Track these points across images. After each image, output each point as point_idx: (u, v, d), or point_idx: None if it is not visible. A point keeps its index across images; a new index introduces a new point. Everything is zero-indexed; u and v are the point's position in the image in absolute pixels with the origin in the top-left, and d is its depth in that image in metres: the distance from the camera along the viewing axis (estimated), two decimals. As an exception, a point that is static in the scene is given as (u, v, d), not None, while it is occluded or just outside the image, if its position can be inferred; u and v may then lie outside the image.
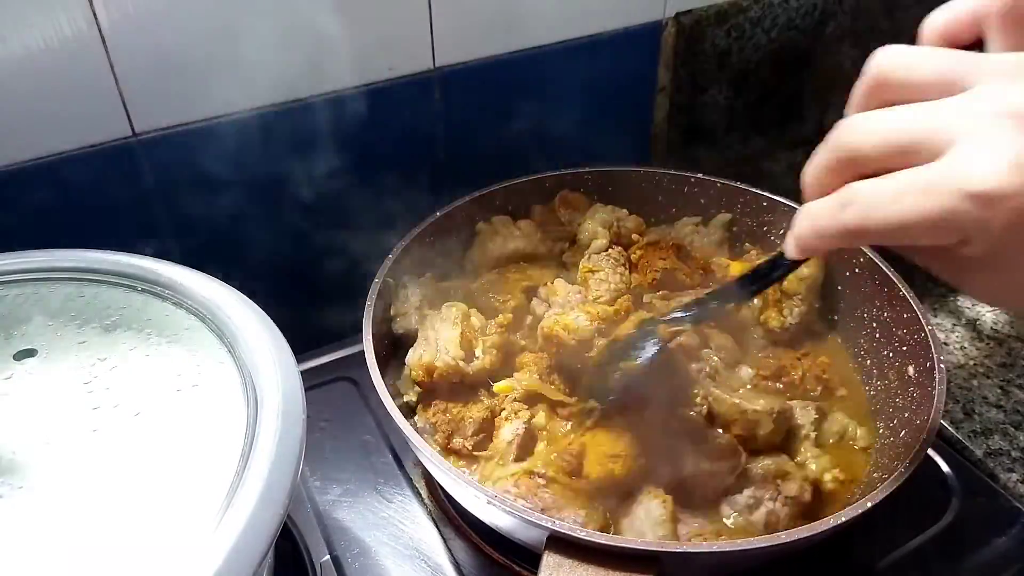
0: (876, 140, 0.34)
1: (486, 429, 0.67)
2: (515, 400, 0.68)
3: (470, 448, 0.67)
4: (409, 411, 0.71)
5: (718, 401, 0.66)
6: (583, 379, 0.68)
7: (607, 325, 0.70)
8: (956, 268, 0.38)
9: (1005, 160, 0.30)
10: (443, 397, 0.70)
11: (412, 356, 0.71)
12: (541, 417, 0.67)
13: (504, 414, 0.67)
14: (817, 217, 0.37)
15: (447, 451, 0.68)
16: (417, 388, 0.70)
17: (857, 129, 0.36)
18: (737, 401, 0.65)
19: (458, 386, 0.70)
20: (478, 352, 0.71)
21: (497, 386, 0.70)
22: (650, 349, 0.63)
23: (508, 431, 0.65)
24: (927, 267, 0.40)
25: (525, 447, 0.65)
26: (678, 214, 0.89)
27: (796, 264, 0.50)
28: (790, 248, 0.42)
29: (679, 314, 0.62)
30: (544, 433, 0.66)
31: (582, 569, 0.51)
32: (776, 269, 0.53)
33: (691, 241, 0.86)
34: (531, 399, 0.68)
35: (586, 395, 0.67)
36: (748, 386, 0.73)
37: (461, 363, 0.69)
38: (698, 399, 0.67)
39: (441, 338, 0.70)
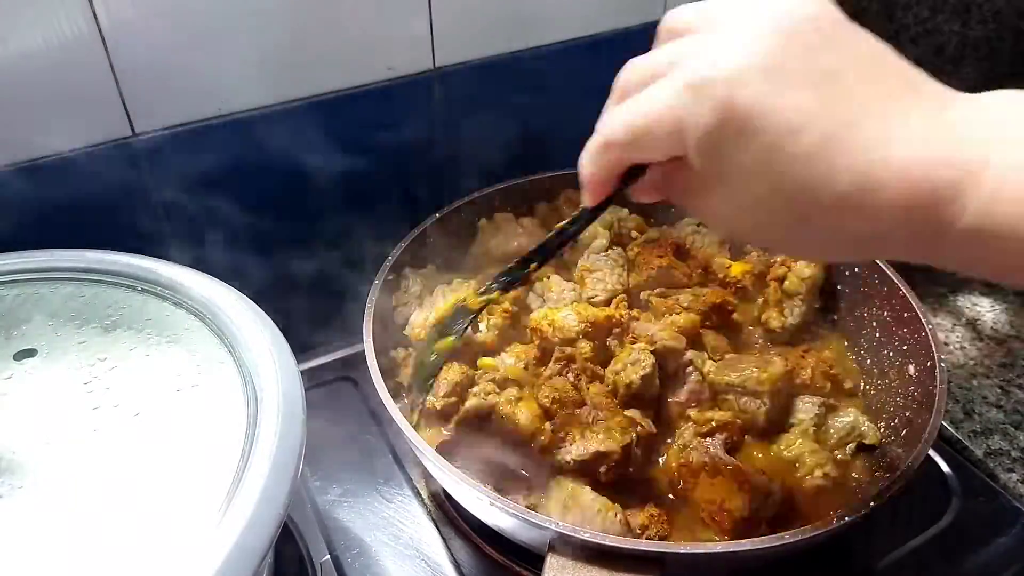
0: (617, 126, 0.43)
1: (458, 394, 0.68)
2: (492, 380, 0.69)
3: (439, 407, 0.68)
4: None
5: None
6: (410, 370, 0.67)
7: (594, 329, 0.70)
8: (694, 190, 0.43)
9: (735, 56, 0.37)
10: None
11: (417, 316, 0.72)
12: (504, 403, 0.66)
13: (476, 389, 0.68)
14: (584, 152, 0.46)
15: (423, 411, 0.68)
16: (440, 397, 0.69)
17: (607, 121, 0.45)
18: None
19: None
20: (482, 327, 0.72)
21: (481, 360, 0.71)
22: (462, 324, 0.61)
23: (473, 405, 0.66)
24: (672, 198, 0.46)
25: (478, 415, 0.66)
26: (678, 214, 0.89)
27: (594, 214, 0.51)
28: (585, 197, 0.48)
29: (488, 283, 0.60)
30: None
31: (585, 570, 0.51)
32: (576, 222, 0.53)
33: (692, 241, 0.86)
34: (505, 384, 0.69)
35: (413, 385, 0.64)
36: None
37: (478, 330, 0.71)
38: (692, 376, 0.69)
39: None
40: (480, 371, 0.70)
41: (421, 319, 0.73)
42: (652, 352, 0.68)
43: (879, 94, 0.37)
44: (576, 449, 0.61)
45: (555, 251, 0.56)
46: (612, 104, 0.46)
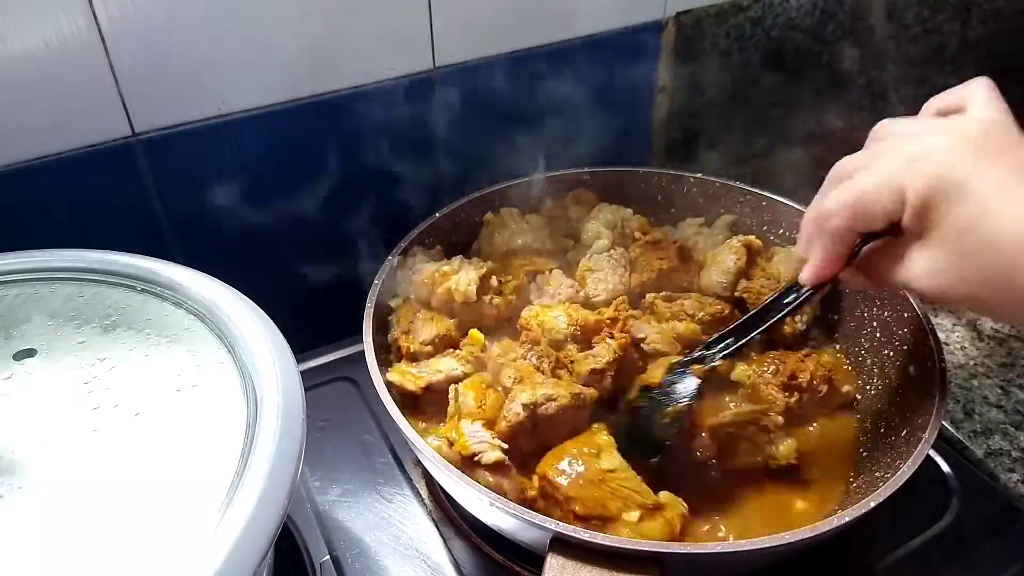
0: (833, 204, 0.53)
1: (438, 347, 0.71)
2: (472, 352, 0.71)
3: (413, 351, 0.71)
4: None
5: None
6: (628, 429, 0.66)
7: (583, 332, 0.70)
8: (900, 259, 0.51)
9: (947, 138, 0.48)
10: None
11: (428, 268, 0.75)
12: (473, 380, 0.68)
13: (456, 352, 0.71)
14: (803, 231, 0.57)
15: (400, 351, 0.72)
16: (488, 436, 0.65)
17: (825, 200, 0.54)
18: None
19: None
20: (487, 299, 0.75)
21: (473, 331, 0.73)
22: (689, 388, 0.65)
23: (444, 364, 0.69)
24: (880, 275, 0.54)
25: (445, 383, 0.68)
26: (678, 214, 0.89)
27: (815, 292, 0.59)
28: (807, 273, 0.58)
29: (708, 352, 0.67)
30: (461, 389, 0.67)
31: (586, 570, 0.51)
32: (787, 295, 0.62)
33: (695, 243, 0.86)
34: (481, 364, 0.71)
35: (643, 449, 0.64)
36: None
37: (474, 293, 0.73)
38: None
39: (462, 275, 0.74)
40: (467, 341, 0.72)
41: (431, 269, 0.75)
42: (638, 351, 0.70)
43: None
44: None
45: (773, 324, 0.64)
46: (825, 191, 0.54)
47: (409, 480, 0.74)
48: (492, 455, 0.60)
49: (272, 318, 0.54)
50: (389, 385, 0.65)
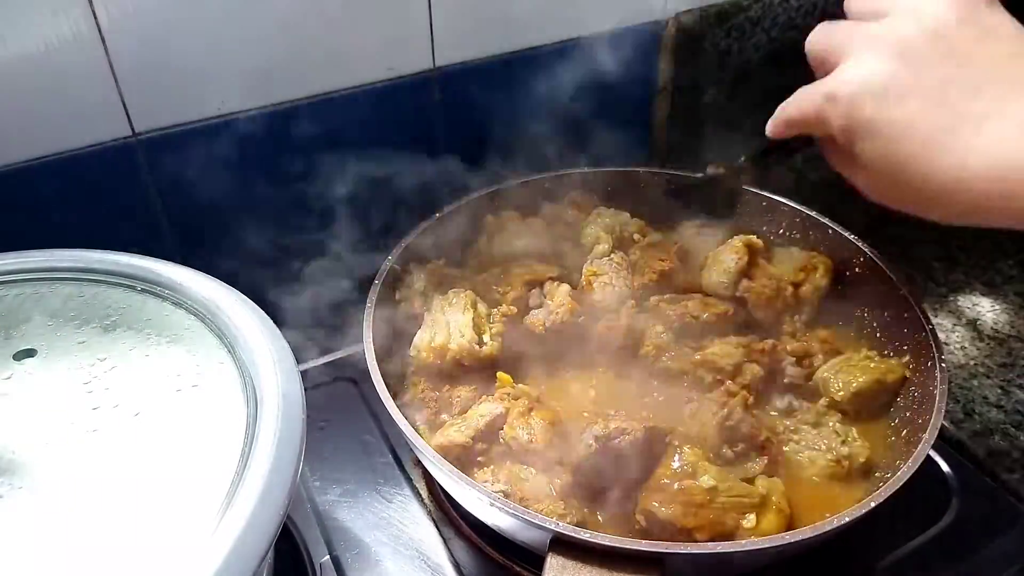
0: (810, 47, 0.55)
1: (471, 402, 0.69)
2: (507, 393, 0.68)
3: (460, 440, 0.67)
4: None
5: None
6: None
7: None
8: (846, 164, 0.53)
9: (858, 76, 0.49)
10: (430, 380, 0.71)
11: (422, 338, 0.72)
12: (515, 413, 0.66)
13: (491, 397, 0.69)
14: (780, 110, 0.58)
15: (435, 427, 0.69)
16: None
17: (810, 37, 0.55)
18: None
19: (445, 372, 0.71)
20: (486, 338, 0.72)
21: (501, 375, 0.71)
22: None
23: (485, 408, 0.67)
24: (837, 167, 0.55)
25: (491, 427, 0.66)
26: (678, 214, 0.89)
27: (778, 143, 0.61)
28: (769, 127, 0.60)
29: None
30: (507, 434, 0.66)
31: (586, 571, 0.51)
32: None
33: (695, 244, 0.85)
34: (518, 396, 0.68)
35: None
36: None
37: (476, 346, 0.70)
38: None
39: (453, 322, 0.72)
40: (498, 385, 0.70)
41: (427, 340, 0.71)
42: None
43: (983, 101, 0.45)
44: None
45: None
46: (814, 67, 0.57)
47: (409, 480, 0.74)
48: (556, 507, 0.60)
49: (272, 318, 0.54)
50: (440, 449, 0.63)
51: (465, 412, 0.68)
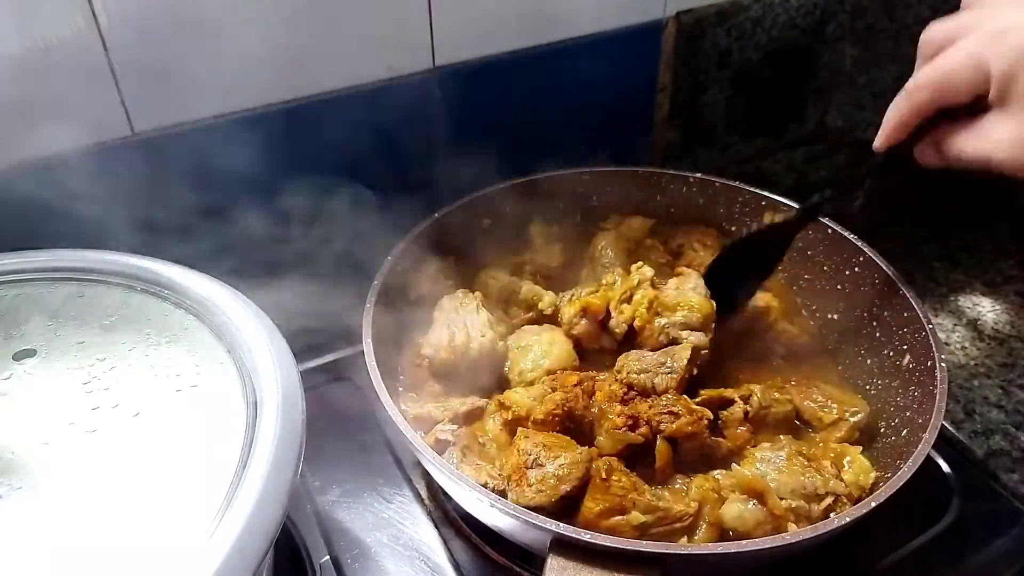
0: (929, 35, 0.57)
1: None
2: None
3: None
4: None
5: None
6: None
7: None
8: (977, 136, 0.54)
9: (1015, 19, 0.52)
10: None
11: (440, 337, 0.71)
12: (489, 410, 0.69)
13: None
14: (895, 101, 0.59)
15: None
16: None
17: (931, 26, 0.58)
18: None
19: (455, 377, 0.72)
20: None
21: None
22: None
23: (472, 398, 0.69)
24: (956, 149, 0.56)
25: (470, 416, 0.69)
26: (678, 214, 0.89)
27: (887, 160, 0.62)
28: (878, 138, 0.61)
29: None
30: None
31: (586, 571, 0.51)
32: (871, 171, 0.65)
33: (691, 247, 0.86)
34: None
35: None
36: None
37: (495, 345, 0.71)
38: None
39: (470, 321, 0.72)
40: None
41: (446, 340, 0.71)
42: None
43: None
44: None
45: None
46: (920, 64, 0.58)
47: (409, 480, 0.73)
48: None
49: (272, 319, 0.54)
50: (415, 421, 0.65)
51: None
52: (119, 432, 0.46)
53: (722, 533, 0.60)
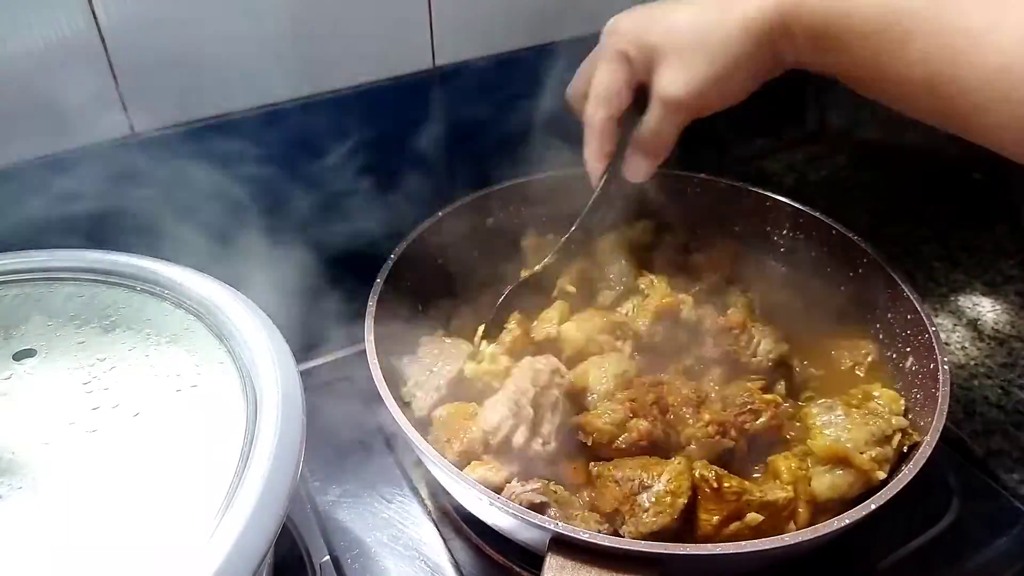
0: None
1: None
2: None
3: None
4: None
5: None
6: None
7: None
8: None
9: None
10: None
11: (496, 421, 0.64)
12: None
13: None
14: None
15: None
16: None
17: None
18: None
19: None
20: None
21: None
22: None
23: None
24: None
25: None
26: (679, 214, 0.89)
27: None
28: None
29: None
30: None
31: (585, 571, 0.51)
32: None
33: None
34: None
35: None
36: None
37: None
38: None
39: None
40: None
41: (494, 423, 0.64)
42: None
43: None
44: None
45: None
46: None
47: (409, 480, 0.73)
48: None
49: (272, 318, 0.54)
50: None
51: None
52: (119, 432, 0.46)
53: (817, 508, 0.60)
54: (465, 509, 0.65)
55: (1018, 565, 0.66)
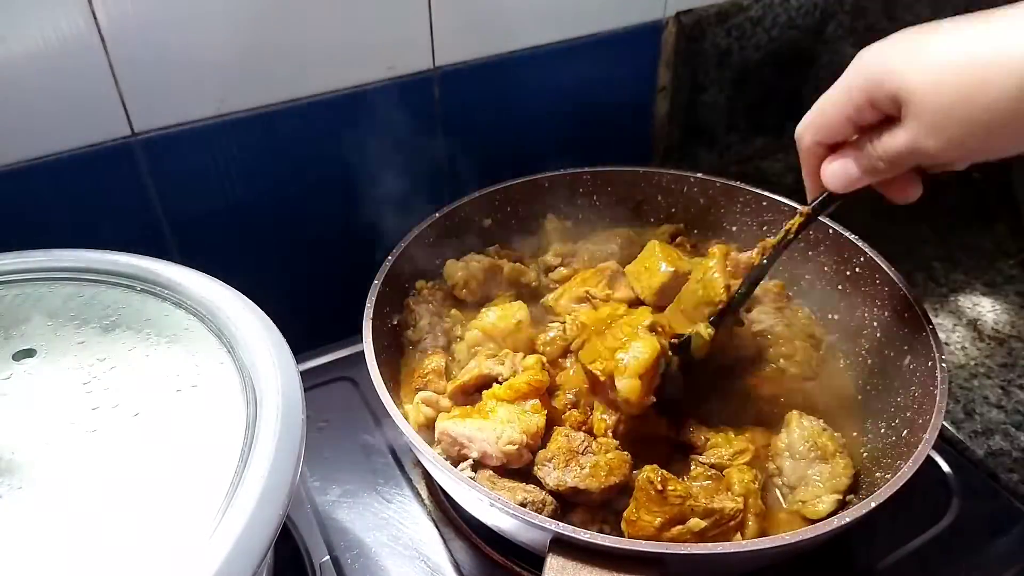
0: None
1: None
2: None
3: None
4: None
5: None
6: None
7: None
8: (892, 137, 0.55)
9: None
10: None
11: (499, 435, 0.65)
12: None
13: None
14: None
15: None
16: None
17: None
18: None
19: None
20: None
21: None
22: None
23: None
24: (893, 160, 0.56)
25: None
26: (678, 214, 0.89)
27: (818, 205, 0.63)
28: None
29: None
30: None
31: (586, 571, 0.51)
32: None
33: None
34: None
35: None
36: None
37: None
38: None
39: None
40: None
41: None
42: None
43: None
44: None
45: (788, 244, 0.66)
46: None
47: (409, 480, 0.73)
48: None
49: (272, 318, 0.54)
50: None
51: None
52: (119, 432, 0.46)
53: (768, 523, 0.62)
54: (465, 509, 0.66)
55: (1018, 565, 0.66)
